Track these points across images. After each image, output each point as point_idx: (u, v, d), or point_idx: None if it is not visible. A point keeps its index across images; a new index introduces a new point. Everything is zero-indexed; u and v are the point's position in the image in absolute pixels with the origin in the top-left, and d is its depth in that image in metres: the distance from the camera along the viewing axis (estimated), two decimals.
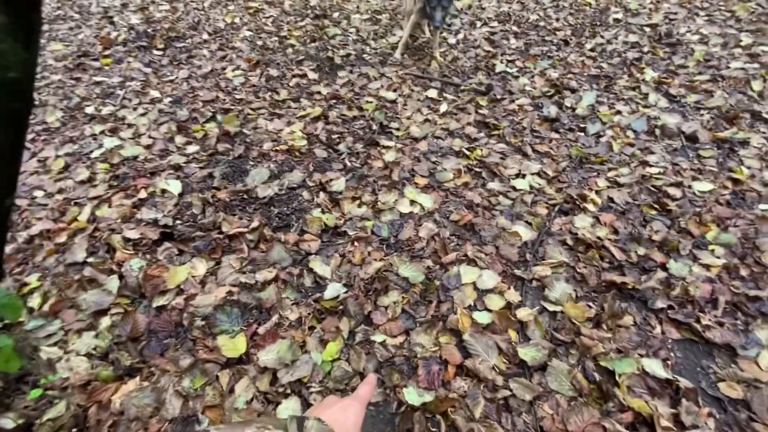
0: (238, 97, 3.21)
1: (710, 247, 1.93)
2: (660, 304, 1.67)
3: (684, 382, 1.43)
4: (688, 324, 1.61)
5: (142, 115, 3.03)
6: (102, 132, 2.88)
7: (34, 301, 1.72)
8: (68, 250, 1.98)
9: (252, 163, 2.50)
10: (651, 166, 2.42)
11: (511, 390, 1.43)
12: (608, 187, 2.27)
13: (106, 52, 3.99)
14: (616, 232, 2.00)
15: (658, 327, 1.62)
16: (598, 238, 1.95)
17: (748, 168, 2.38)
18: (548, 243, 1.96)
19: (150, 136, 2.79)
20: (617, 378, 1.44)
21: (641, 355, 1.51)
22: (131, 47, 4.04)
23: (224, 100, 3.19)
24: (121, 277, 1.81)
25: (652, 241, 1.94)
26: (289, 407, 1.39)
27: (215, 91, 3.29)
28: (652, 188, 2.25)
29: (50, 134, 2.90)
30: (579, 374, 1.46)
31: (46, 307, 1.70)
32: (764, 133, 2.67)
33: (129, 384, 1.44)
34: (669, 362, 1.51)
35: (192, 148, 2.63)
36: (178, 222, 2.09)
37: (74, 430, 1.32)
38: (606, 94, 3.13)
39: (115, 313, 1.67)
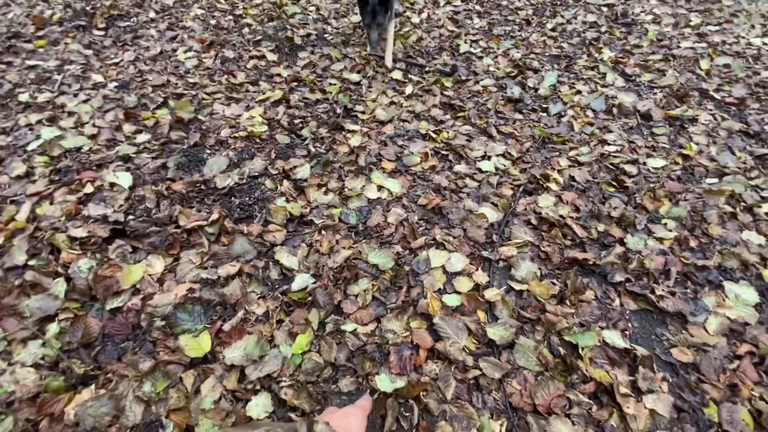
0: (191, 80, 3.01)
1: (663, 221, 2.02)
2: (618, 277, 1.74)
3: (641, 350, 1.51)
4: (643, 295, 1.69)
5: (85, 101, 2.79)
6: (39, 122, 2.63)
7: None
8: (6, 254, 1.80)
9: (209, 151, 2.36)
10: (609, 144, 2.50)
11: (481, 369, 1.45)
12: (570, 166, 2.33)
13: (40, 33, 3.62)
14: (577, 210, 2.06)
15: (617, 300, 1.70)
16: (561, 216, 2.00)
17: (697, 144, 2.51)
18: (514, 223, 1.99)
19: (94, 125, 2.57)
20: (580, 351, 1.49)
21: (602, 328, 1.58)
22: (68, 27, 3.69)
23: (176, 84, 2.98)
24: (68, 279, 1.68)
25: (611, 217, 2.02)
26: (259, 404, 1.35)
27: (166, 75, 3.07)
28: (610, 166, 2.33)
29: None
30: (545, 350, 1.51)
31: None
32: (711, 110, 2.81)
33: (83, 393, 1.35)
34: (627, 332, 1.59)
35: (142, 137, 2.45)
36: (130, 217, 1.95)
37: None
38: (567, 74, 3.18)
39: (64, 319, 1.55)
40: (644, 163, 2.37)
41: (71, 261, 1.75)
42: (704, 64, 3.24)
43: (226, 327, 1.55)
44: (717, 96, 2.91)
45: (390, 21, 3.01)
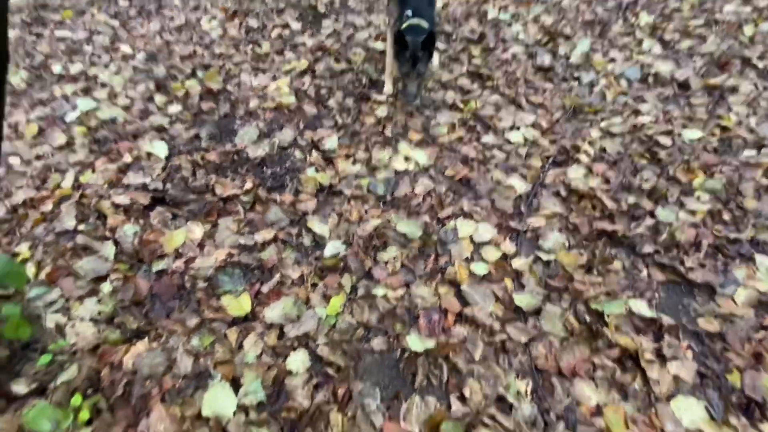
0: (217, 51, 3.02)
1: (696, 194, 1.99)
2: (647, 249, 1.74)
3: (666, 320, 1.53)
4: (672, 267, 1.70)
5: (116, 73, 2.85)
6: (74, 93, 2.71)
7: (29, 271, 1.69)
8: (56, 219, 1.92)
9: (239, 122, 2.41)
10: (643, 114, 2.42)
11: (507, 334, 1.51)
12: (601, 137, 2.28)
13: (67, 4, 3.65)
14: (607, 181, 2.04)
15: (645, 270, 1.71)
16: (591, 188, 1.99)
17: (736, 115, 2.41)
18: (542, 195, 1.99)
19: (127, 96, 2.64)
20: (606, 318, 1.53)
21: (629, 297, 1.60)
22: None
23: (202, 54, 3.00)
24: (116, 243, 1.79)
25: (642, 189, 1.99)
26: (298, 359, 1.45)
27: (192, 45, 3.09)
28: (644, 137, 2.27)
29: (17, 96, 2.71)
30: (571, 317, 1.55)
31: (42, 276, 1.68)
32: (753, 79, 2.67)
33: (138, 345, 1.47)
34: (654, 302, 1.61)
35: (174, 108, 2.50)
36: (168, 186, 2.04)
37: (89, 390, 1.36)
38: (600, 41, 3.05)
39: (115, 279, 1.67)
40: (679, 135, 2.30)
41: (117, 226, 1.85)
42: (748, 30, 3.05)
43: (265, 289, 1.64)
44: (760, 65, 2.75)
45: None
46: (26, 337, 0.84)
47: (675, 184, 2.03)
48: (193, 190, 1.99)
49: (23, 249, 1.80)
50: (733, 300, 1.61)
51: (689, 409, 1.34)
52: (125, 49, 3.09)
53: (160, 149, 2.20)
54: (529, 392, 1.37)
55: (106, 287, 1.64)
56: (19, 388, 1.31)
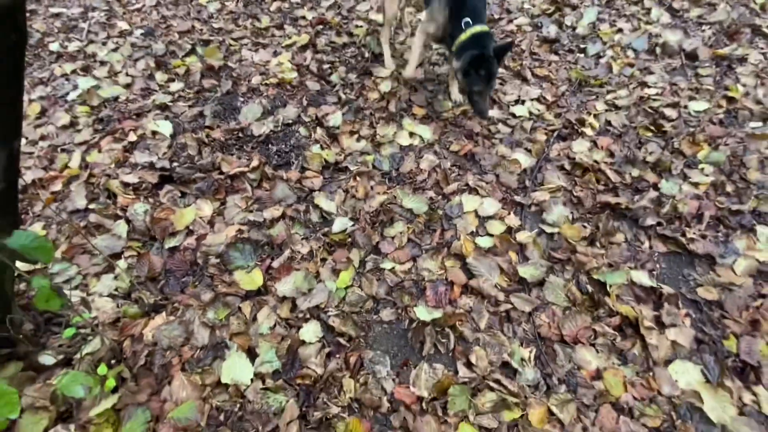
0: (216, 26, 2.97)
1: (700, 166, 2.00)
2: (650, 221, 1.77)
3: (666, 289, 1.58)
4: (674, 238, 1.73)
5: (114, 50, 2.81)
6: (74, 71, 2.68)
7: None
8: (67, 198, 1.95)
9: (242, 99, 2.39)
10: (649, 86, 2.40)
11: (512, 304, 1.56)
12: (606, 110, 2.27)
13: None
14: (612, 155, 2.05)
15: (647, 242, 1.74)
16: (595, 161, 2.00)
17: (744, 86, 2.38)
18: (547, 169, 2.00)
19: (127, 74, 2.61)
20: (608, 288, 1.57)
21: (630, 268, 1.64)
22: None
23: (201, 30, 2.94)
24: (127, 221, 1.82)
25: (646, 162, 2.00)
26: (310, 330, 1.51)
27: (189, 20, 3.02)
28: (649, 109, 2.26)
29: None
30: (573, 287, 1.60)
31: (57, 254, 1.72)
32: (762, 48, 2.62)
33: (156, 319, 1.53)
34: (654, 272, 1.65)
35: (176, 86, 2.48)
36: (175, 164, 2.05)
37: (112, 361, 1.42)
38: (608, 10, 2.98)
39: (130, 256, 1.71)
40: (685, 107, 2.29)
41: (127, 205, 1.88)
42: None
43: (275, 264, 1.68)
44: None
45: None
46: (57, 308, 0.88)
47: (679, 157, 2.04)
48: (200, 169, 2.01)
49: (37, 228, 1.83)
50: (733, 270, 1.65)
51: (686, 373, 1.40)
52: (122, 25, 3.03)
53: (165, 128, 2.20)
54: (532, 358, 1.44)
55: (121, 264, 1.69)
56: (46, 359, 1.37)
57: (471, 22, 1.94)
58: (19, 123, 0.90)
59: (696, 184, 1.91)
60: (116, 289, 1.62)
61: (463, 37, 1.94)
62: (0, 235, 0.86)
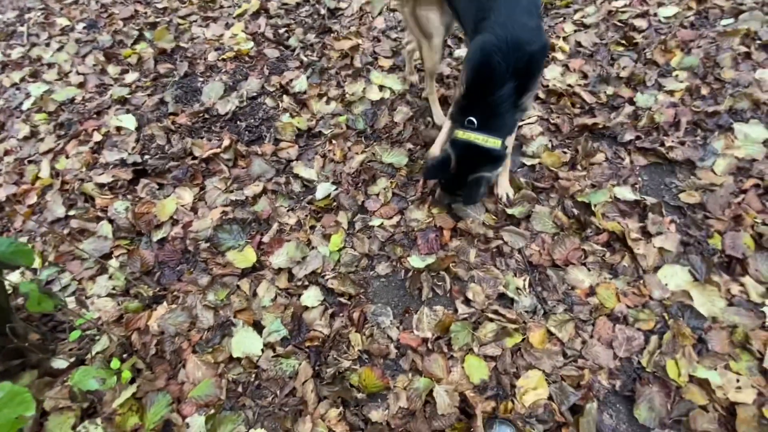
0: (159, 6, 2.79)
1: (674, 73, 1.97)
2: (628, 136, 1.77)
3: (650, 200, 1.61)
4: (653, 149, 1.74)
5: (59, 50, 2.66)
6: (22, 79, 2.55)
7: (35, 263, 1.72)
8: (45, 209, 1.92)
9: (201, 79, 2.30)
10: None
11: (503, 239, 1.58)
12: (575, 30, 2.20)
13: None
14: (585, 76, 2.01)
15: (627, 158, 1.75)
16: (569, 85, 1.96)
17: None
18: None
19: (78, 72, 2.49)
20: (593, 208, 1.60)
21: (613, 185, 1.66)
22: None
23: (145, 13, 2.78)
24: (110, 221, 1.80)
25: (620, 78, 1.97)
26: (311, 295, 1.54)
27: (131, 5, 2.84)
28: (619, 23, 2.20)
29: None
30: (559, 213, 1.62)
31: (48, 262, 1.72)
32: None
33: (159, 310, 1.55)
34: (637, 186, 1.67)
35: (131, 77, 2.38)
36: (146, 157, 2.00)
37: (124, 355, 1.46)
38: None
39: (120, 254, 1.71)
40: (655, 15, 2.23)
41: (107, 205, 1.86)
42: None
43: (266, 239, 1.69)
44: None
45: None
46: (50, 309, 0.89)
47: (652, 67, 2.01)
48: (172, 157, 1.96)
49: None
50: (713, 170, 1.67)
51: (674, 275, 1.45)
52: (62, 21, 2.85)
53: (129, 121, 2.13)
54: (526, 286, 1.48)
55: (113, 263, 1.69)
56: (59, 363, 1.40)
57: (475, 124, 1.38)
58: None
59: (671, 92, 1.89)
60: (113, 288, 1.63)
61: (457, 135, 1.42)
62: None
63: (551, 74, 2.04)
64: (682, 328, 1.33)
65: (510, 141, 1.52)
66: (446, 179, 1.52)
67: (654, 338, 1.34)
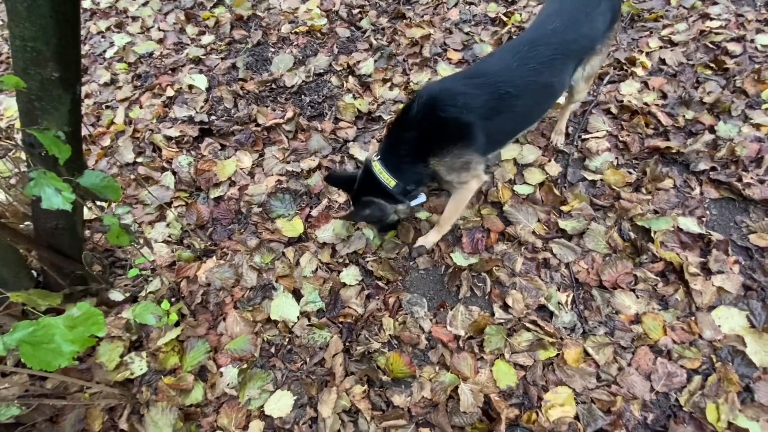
0: None
1: (764, 106, 1.83)
2: (702, 166, 1.67)
3: (716, 236, 1.52)
4: (728, 183, 1.63)
5: (144, 4, 2.80)
6: (108, 28, 2.71)
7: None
8: (116, 152, 2.05)
9: (273, 49, 2.36)
10: (712, 19, 2.16)
11: (552, 251, 1.55)
12: (660, 47, 2.08)
13: None
14: (664, 96, 1.91)
15: (698, 188, 1.66)
16: (645, 104, 1.87)
17: None
18: (591, 113, 1.90)
19: (159, 29, 2.61)
20: (652, 235, 1.53)
21: (678, 214, 1.58)
22: None
23: None
24: (173, 173, 1.91)
25: (703, 103, 1.85)
26: (350, 273, 1.58)
27: None
28: (710, 45, 2.05)
29: None
30: (615, 234, 1.56)
31: (113, 206, 1.85)
32: None
33: (208, 263, 1.64)
34: (704, 219, 1.58)
35: (207, 38, 2.47)
36: (213, 117, 2.09)
37: (172, 299, 1.56)
38: None
39: (179, 206, 1.81)
40: (752, 41, 2.06)
41: (172, 158, 1.96)
42: None
43: (314, 213, 1.74)
44: None
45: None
46: (127, 243, 0.97)
47: (741, 96, 1.87)
48: (236, 121, 2.04)
49: None
50: None
51: (730, 318, 1.38)
52: None
53: (200, 82, 2.23)
54: (569, 302, 1.45)
55: (171, 213, 1.80)
56: (116, 296, 1.52)
57: (378, 161, 1.38)
58: (79, 65, 0.94)
59: (758, 126, 1.76)
60: (169, 236, 1.73)
61: (372, 161, 1.40)
62: (72, 175, 0.93)
63: (627, 89, 1.94)
64: (730, 373, 1.27)
65: (419, 199, 1.52)
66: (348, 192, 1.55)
67: (697, 378, 1.28)
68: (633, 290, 1.46)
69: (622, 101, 1.89)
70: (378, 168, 1.37)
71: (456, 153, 1.29)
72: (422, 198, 1.57)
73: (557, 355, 1.35)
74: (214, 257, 1.65)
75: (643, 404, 1.27)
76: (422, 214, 1.70)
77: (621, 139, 1.80)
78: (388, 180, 1.36)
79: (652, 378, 1.30)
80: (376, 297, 1.53)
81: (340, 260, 1.62)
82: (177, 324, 1.48)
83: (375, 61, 2.21)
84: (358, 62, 2.22)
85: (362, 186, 1.43)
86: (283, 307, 1.52)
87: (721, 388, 1.25)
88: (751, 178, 1.62)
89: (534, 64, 1.25)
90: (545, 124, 1.89)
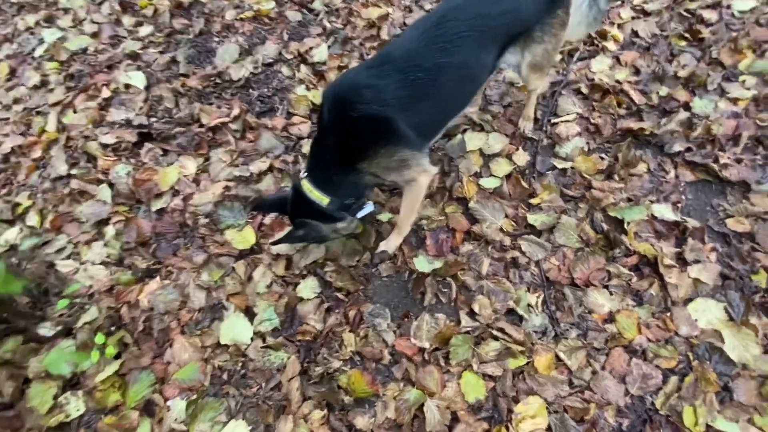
0: None
1: (741, 78, 1.73)
2: (677, 147, 1.57)
3: (692, 222, 1.43)
4: (704, 165, 1.54)
5: None
6: (37, 23, 2.45)
7: (33, 220, 1.69)
8: (48, 164, 1.87)
9: (217, 39, 2.15)
10: None
11: (520, 249, 1.45)
12: (633, 17, 1.94)
13: None
14: (637, 72, 1.79)
15: (672, 171, 1.56)
16: (617, 81, 1.75)
17: None
18: (561, 94, 1.77)
19: (93, 21, 2.37)
20: (625, 226, 1.44)
21: (652, 201, 1.49)
22: None
23: None
24: (111, 185, 1.74)
25: (677, 77, 1.74)
26: (308, 286, 1.46)
27: None
28: (685, 13, 1.92)
29: None
30: (587, 226, 1.47)
31: (47, 224, 1.68)
32: None
33: (151, 284, 1.50)
34: (679, 205, 1.50)
35: (145, 30, 2.25)
36: (153, 119, 1.91)
37: (112, 328, 1.42)
38: None
39: (117, 221, 1.65)
40: (728, 7, 1.94)
41: (109, 167, 1.79)
42: None
43: (267, 221, 1.60)
44: None
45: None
46: (19, 291, 0.84)
47: (717, 69, 1.76)
48: (178, 122, 1.86)
49: (23, 199, 1.78)
50: None
51: (707, 311, 1.31)
52: None
53: (138, 79, 2.02)
54: (539, 304, 1.36)
55: (109, 230, 1.64)
56: (46, 331, 1.38)
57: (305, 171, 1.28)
58: None
59: (735, 100, 1.66)
60: (108, 256, 1.58)
61: (301, 179, 1.28)
62: None
63: (598, 66, 1.82)
64: (707, 372, 1.20)
65: (366, 209, 1.36)
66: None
67: (674, 379, 1.21)
68: (606, 287, 1.37)
69: (593, 79, 1.76)
70: (307, 186, 1.22)
71: (384, 153, 1.15)
72: (369, 207, 1.42)
73: (528, 363, 1.26)
74: (158, 277, 1.51)
75: (617, 410, 1.20)
76: (384, 216, 1.58)
77: (592, 121, 1.68)
78: (320, 198, 1.22)
79: (627, 381, 1.23)
80: (336, 310, 1.42)
81: (297, 272, 1.49)
82: (118, 356, 1.35)
83: (329, 46, 2.03)
84: (311, 49, 2.03)
85: (295, 209, 1.27)
86: (234, 328, 1.40)
87: (699, 388, 1.19)
88: (728, 157, 1.53)
89: (442, 43, 1.09)
90: (512, 109, 1.76)
